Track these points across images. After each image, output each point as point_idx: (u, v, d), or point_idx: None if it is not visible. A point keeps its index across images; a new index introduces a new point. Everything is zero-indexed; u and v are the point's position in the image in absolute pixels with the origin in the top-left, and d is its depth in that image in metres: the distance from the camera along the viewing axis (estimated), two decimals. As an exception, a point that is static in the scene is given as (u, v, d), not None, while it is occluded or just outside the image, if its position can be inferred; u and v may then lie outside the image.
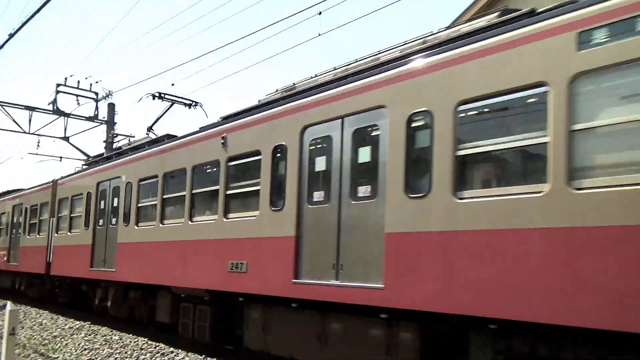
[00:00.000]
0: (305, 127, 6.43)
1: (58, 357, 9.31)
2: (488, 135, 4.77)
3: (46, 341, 10.49)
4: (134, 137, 22.68)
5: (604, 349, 4.13)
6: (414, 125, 5.30)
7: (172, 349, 8.40)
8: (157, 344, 8.76)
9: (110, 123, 22.59)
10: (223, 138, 7.68)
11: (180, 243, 8.32)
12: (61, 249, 12.79)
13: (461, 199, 4.79)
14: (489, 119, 4.87)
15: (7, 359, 6.92)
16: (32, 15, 7.76)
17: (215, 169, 7.78)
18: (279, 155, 6.72)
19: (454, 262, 4.70)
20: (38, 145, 21.11)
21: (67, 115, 20.68)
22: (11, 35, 9.25)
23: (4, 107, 19.16)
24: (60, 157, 23.49)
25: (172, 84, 13.61)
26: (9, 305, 7.68)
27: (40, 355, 9.46)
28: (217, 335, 7.85)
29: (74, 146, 21.86)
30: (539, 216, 4.26)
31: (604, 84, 4.10)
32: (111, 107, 22.81)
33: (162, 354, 8.17)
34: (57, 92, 20.04)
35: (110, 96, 21.74)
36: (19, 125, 19.78)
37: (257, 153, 7.05)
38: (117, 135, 22.39)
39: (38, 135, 20.38)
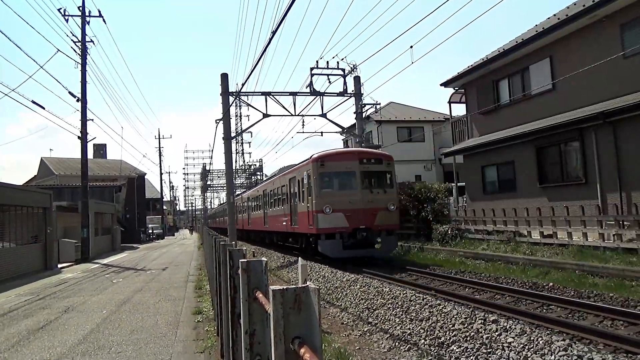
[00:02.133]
0: None
1: (341, 304, 10.59)
2: None
3: (330, 291, 12.02)
4: (379, 104, 23.63)
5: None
6: None
7: (438, 301, 8.65)
8: (425, 297, 9.15)
9: (357, 95, 24.12)
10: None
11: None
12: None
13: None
14: None
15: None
16: (286, 12, 8.74)
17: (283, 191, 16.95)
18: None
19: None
20: (303, 125, 24.00)
21: (322, 94, 22.92)
22: (273, 33, 10.65)
23: (274, 96, 22.35)
24: (322, 132, 26.23)
25: (411, 46, 13.55)
26: (300, 260, 9.09)
27: (327, 303, 10.95)
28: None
29: (331, 121, 24.08)
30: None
31: None
32: (357, 80, 24.30)
33: (431, 306, 8.49)
34: (312, 75, 22.33)
35: (355, 70, 23.17)
36: (287, 109, 22.82)
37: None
38: (365, 105, 23.73)
39: (301, 115, 23.18)
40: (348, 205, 15.54)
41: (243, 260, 2.23)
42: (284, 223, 19.47)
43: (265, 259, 2.29)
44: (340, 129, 25.58)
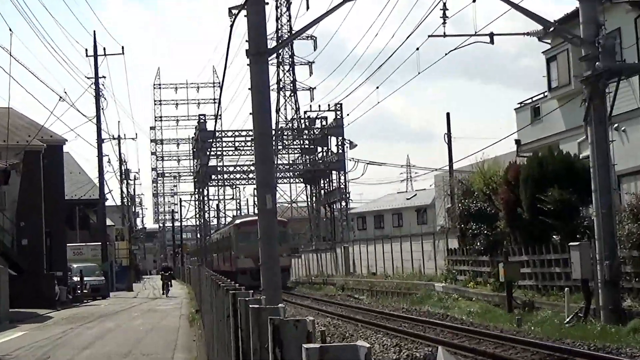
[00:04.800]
0: None
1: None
2: None
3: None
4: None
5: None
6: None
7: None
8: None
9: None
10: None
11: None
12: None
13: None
14: None
15: None
16: None
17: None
18: None
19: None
20: (444, 17, 19.52)
21: None
22: None
23: None
24: (491, 35, 21.23)
25: None
26: (441, 351, 7.91)
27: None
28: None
29: (515, 5, 20.03)
30: None
31: None
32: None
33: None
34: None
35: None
36: None
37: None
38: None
39: None
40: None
41: (310, 346, 1.88)
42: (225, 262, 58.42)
43: (367, 345, 1.90)
44: (541, 25, 20.86)
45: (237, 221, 58.05)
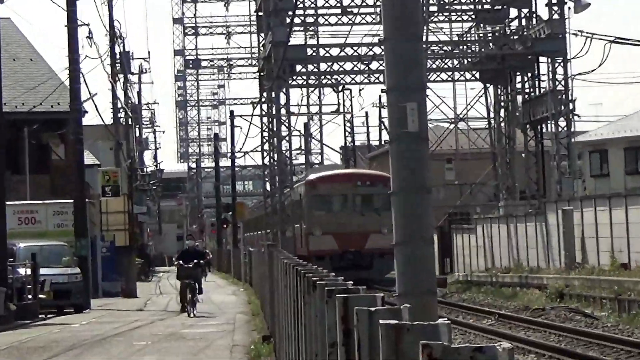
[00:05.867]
0: None
1: None
2: None
3: None
4: None
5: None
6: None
7: None
8: None
9: None
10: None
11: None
12: None
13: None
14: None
15: None
16: None
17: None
18: None
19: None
20: None
21: None
22: None
23: None
24: None
25: None
26: None
27: None
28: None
29: None
30: None
31: None
32: None
33: None
34: None
35: None
36: None
37: None
38: None
39: None
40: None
41: None
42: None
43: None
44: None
45: (311, 176, 51.49)
